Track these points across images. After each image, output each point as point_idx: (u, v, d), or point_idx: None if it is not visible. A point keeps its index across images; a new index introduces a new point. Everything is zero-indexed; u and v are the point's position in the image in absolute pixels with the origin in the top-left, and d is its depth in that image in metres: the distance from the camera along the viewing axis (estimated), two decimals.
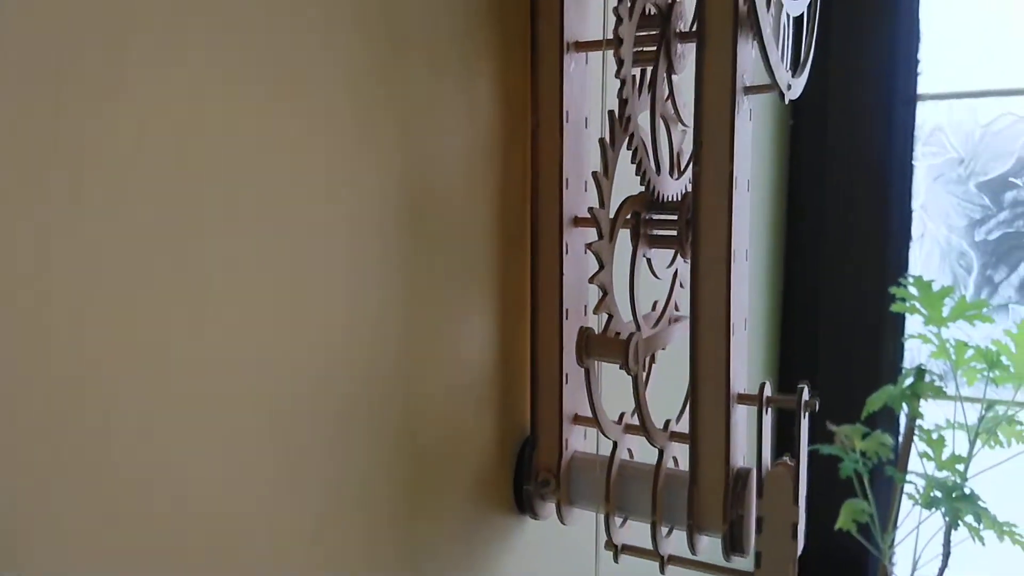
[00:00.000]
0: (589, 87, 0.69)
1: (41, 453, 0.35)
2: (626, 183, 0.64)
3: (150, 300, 0.40)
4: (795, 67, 0.63)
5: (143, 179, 0.39)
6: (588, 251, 0.65)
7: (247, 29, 0.44)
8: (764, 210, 1.47)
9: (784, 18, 0.61)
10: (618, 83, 0.61)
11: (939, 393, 1.30)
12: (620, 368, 0.62)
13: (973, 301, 1.31)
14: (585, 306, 0.71)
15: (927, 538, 1.34)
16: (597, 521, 0.69)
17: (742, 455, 0.65)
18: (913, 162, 1.53)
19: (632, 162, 0.62)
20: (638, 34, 0.62)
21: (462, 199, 0.62)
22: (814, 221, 1.59)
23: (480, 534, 0.67)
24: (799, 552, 0.61)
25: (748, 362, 0.66)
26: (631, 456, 0.71)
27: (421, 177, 0.57)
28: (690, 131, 0.65)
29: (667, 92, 0.68)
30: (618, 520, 0.68)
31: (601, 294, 0.62)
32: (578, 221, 0.69)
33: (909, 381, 1.32)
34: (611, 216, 0.62)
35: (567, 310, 0.68)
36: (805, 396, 0.62)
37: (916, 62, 1.50)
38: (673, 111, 0.69)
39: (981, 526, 1.24)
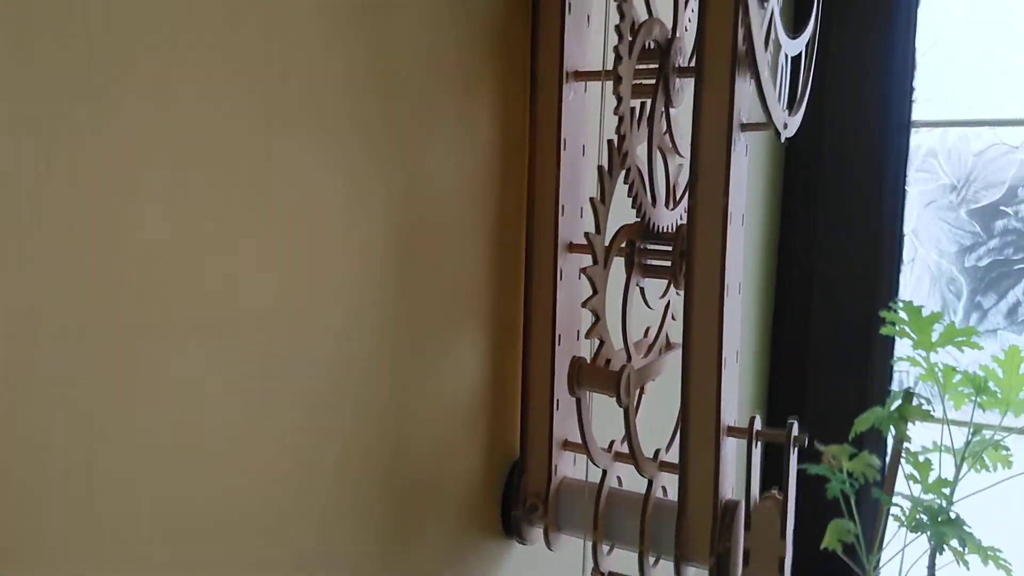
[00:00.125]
0: (587, 115, 0.69)
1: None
2: (621, 212, 0.64)
3: (141, 323, 0.40)
4: (791, 105, 0.64)
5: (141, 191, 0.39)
6: (582, 276, 0.66)
7: (246, 59, 0.44)
8: (757, 231, 1.48)
9: (782, 58, 0.62)
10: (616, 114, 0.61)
11: (926, 416, 1.31)
12: (611, 397, 0.62)
13: (962, 328, 1.32)
14: (578, 331, 0.71)
15: (912, 560, 1.34)
16: (584, 548, 0.69)
17: (731, 487, 0.65)
18: (906, 187, 1.54)
19: (628, 195, 0.62)
20: (637, 67, 0.62)
21: (459, 221, 0.62)
22: (807, 242, 1.59)
23: (467, 558, 0.68)
24: None
25: (738, 386, 0.66)
26: (620, 483, 0.71)
27: (417, 200, 0.57)
28: (686, 162, 0.65)
29: (665, 126, 0.68)
30: (605, 547, 0.68)
31: (593, 319, 0.62)
32: (572, 247, 0.69)
33: (897, 403, 1.33)
34: (606, 243, 0.63)
35: (559, 335, 0.68)
36: (795, 431, 0.62)
37: (911, 90, 1.52)
38: (670, 143, 0.69)
39: (966, 550, 1.24)
